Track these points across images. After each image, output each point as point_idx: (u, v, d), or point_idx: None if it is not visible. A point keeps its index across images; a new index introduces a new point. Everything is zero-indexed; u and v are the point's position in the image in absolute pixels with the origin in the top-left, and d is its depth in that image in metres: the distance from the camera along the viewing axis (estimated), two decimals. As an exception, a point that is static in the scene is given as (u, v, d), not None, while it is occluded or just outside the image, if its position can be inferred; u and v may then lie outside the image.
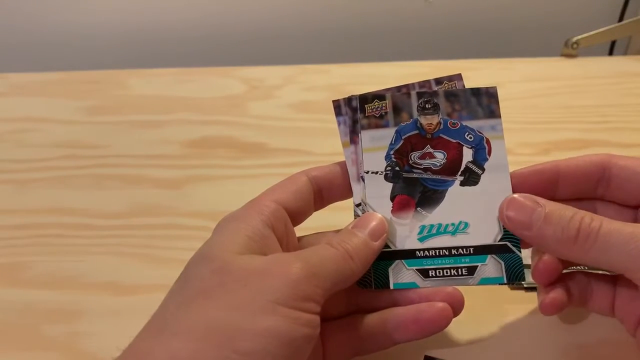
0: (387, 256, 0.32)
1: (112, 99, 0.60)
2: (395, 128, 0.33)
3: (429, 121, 0.33)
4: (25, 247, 0.44)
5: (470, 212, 0.32)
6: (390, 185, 0.33)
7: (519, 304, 0.37)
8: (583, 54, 0.63)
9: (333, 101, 0.34)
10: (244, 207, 0.31)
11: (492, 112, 0.33)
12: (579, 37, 0.62)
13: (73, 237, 0.45)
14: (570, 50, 0.63)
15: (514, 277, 0.31)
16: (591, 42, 0.63)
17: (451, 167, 0.33)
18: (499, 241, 0.31)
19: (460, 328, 0.35)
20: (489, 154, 0.33)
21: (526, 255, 0.32)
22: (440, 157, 0.33)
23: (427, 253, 0.32)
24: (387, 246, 0.31)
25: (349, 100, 0.34)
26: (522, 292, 0.38)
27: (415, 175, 0.33)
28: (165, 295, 0.28)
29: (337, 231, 0.32)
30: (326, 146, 0.52)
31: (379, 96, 0.33)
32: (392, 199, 0.32)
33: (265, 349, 0.24)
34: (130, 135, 0.55)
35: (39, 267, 0.43)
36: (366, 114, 0.33)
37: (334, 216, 0.34)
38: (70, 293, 0.41)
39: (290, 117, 0.57)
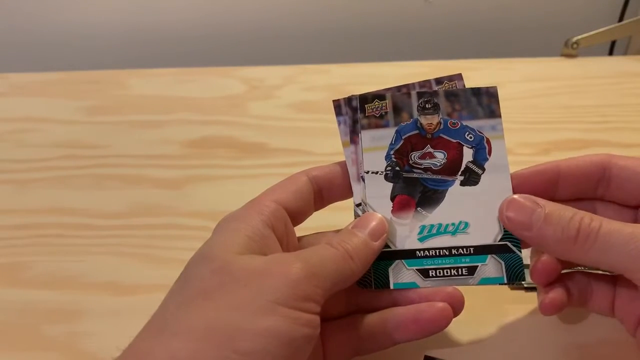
0: (387, 256, 0.32)
1: (112, 99, 0.60)
2: (396, 128, 0.33)
3: (429, 121, 0.33)
4: (25, 247, 0.44)
5: (471, 212, 0.32)
6: (391, 185, 0.33)
7: (519, 304, 0.37)
8: (583, 54, 0.63)
9: (333, 101, 0.34)
10: (244, 207, 0.31)
11: (493, 111, 0.33)
12: (579, 37, 0.62)
13: (73, 237, 0.45)
14: (570, 50, 0.63)
15: (514, 277, 0.31)
16: (591, 42, 0.63)
17: (451, 167, 0.33)
18: (499, 241, 0.31)
19: (460, 328, 0.35)
20: (489, 153, 0.33)
21: (526, 255, 0.32)
22: (440, 157, 0.33)
23: (427, 253, 0.32)
24: (387, 246, 0.31)
25: (349, 100, 0.34)
26: (522, 292, 0.38)
27: (415, 175, 0.33)
28: (165, 295, 0.28)
29: (337, 231, 0.32)
30: (326, 146, 0.52)
31: (379, 96, 0.33)
32: (392, 199, 0.32)
33: (265, 349, 0.24)
34: (130, 135, 0.55)
35: (39, 267, 0.43)
36: (366, 114, 0.33)
37: (334, 216, 0.34)
38: (70, 293, 0.41)
39: (290, 117, 0.57)
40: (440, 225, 0.32)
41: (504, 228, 0.31)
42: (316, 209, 0.34)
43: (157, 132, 0.55)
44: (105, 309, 0.39)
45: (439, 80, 0.34)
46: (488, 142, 0.33)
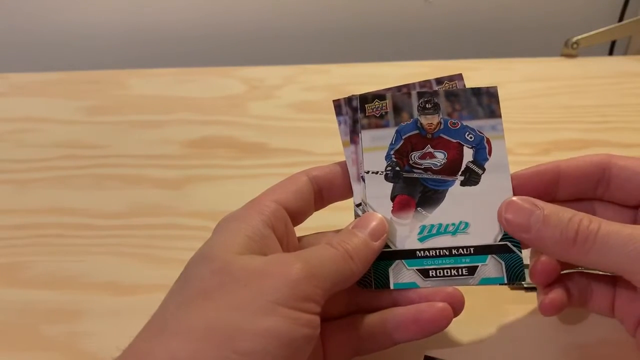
0: (388, 256, 0.31)
1: (112, 99, 0.60)
2: (396, 128, 0.33)
3: (429, 121, 0.33)
4: (25, 247, 0.44)
5: (471, 212, 0.32)
6: (391, 185, 0.33)
7: (519, 304, 0.37)
8: (583, 54, 0.63)
9: (333, 101, 0.34)
10: (244, 207, 0.31)
11: (493, 111, 0.33)
12: (579, 37, 0.62)
13: (73, 237, 0.45)
14: (570, 50, 0.63)
15: (514, 277, 0.31)
16: (591, 42, 0.63)
17: (451, 167, 0.33)
18: (499, 241, 0.31)
19: (460, 328, 0.35)
20: (490, 153, 0.33)
21: (526, 255, 0.32)
22: (440, 157, 0.33)
23: (428, 253, 0.32)
24: (387, 246, 0.31)
25: (349, 100, 0.34)
26: (522, 292, 0.38)
27: (415, 175, 0.33)
28: (165, 295, 0.28)
29: (338, 231, 0.32)
30: (326, 146, 0.52)
31: (379, 96, 0.33)
32: (393, 199, 0.32)
33: (265, 349, 0.24)
34: (130, 135, 0.55)
35: (39, 267, 0.43)
36: (366, 114, 0.33)
37: (334, 216, 0.34)
38: (70, 293, 0.41)
39: (290, 117, 0.57)
40: (440, 225, 0.32)
41: (504, 228, 0.31)
42: (316, 209, 0.34)
43: (157, 132, 0.55)
44: (105, 309, 0.39)
45: (439, 80, 0.34)
46: (488, 142, 0.33)
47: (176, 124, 0.56)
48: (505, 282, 0.31)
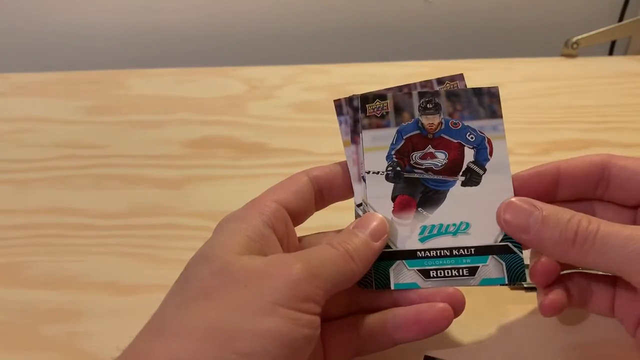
0: (388, 256, 0.31)
1: (112, 99, 0.60)
2: (397, 128, 0.33)
3: (430, 121, 0.33)
4: (25, 247, 0.44)
5: (472, 212, 0.32)
6: (392, 185, 0.33)
7: (519, 304, 0.37)
8: (583, 54, 0.63)
9: (334, 100, 0.34)
10: (245, 207, 0.31)
11: (494, 112, 0.33)
12: (579, 37, 0.62)
13: (73, 237, 0.45)
14: (570, 50, 0.63)
15: (515, 277, 0.31)
16: (591, 42, 0.63)
17: (452, 168, 0.33)
18: (500, 242, 0.31)
19: (460, 328, 0.35)
20: (491, 154, 0.33)
21: (526, 255, 0.32)
22: (441, 157, 0.33)
23: (428, 253, 0.31)
24: (388, 246, 0.31)
25: (350, 99, 0.34)
26: (522, 292, 0.38)
27: (416, 176, 0.33)
28: (165, 295, 0.28)
29: (338, 231, 0.32)
30: (326, 146, 0.52)
31: (380, 96, 0.33)
32: (393, 199, 0.32)
33: (265, 349, 0.24)
34: (130, 135, 0.55)
35: (39, 267, 0.42)
36: (367, 114, 0.33)
37: (335, 216, 0.34)
38: (70, 293, 0.41)
39: (290, 117, 0.57)
40: (441, 225, 0.32)
41: (504, 229, 0.31)
42: (317, 209, 0.34)
43: (157, 132, 0.55)
44: (105, 309, 0.39)
45: (440, 81, 0.34)
46: (489, 142, 0.33)
47: (176, 124, 0.56)
48: (506, 282, 0.31)
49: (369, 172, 0.33)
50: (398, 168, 0.33)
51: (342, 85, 0.60)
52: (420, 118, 0.33)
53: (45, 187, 0.49)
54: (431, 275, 0.31)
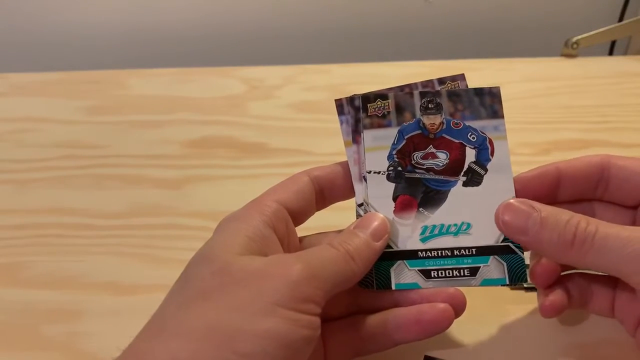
0: (389, 257, 0.31)
1: (112, 99, 0.60)
2: (398, 128, 0.33)
3: (431, 121, 0.33)
4: (25, 247, 0.44)
5: (473, 212, 0.32)
6: (393, 185, 0.32)
7: (519, 304, 0.37)
8: (583, 54, 0.63)
9: (335, 100, 0.34)
10: (245, 207, 0.31)
11: (495, 112, 0.33)
12: (579, 37, 0.62)
13: (73, 237, 0.45)
14: (570, 50, 0.63)
15: (516, 278, 0.31)
16: (591, 42, 0.63)
17: (454, 168, 0.33)
18: (501, 242, 0.31)
19: (460, 328, 0.35)
20: (492, 154, 0.32)
21: (526, 255, 0.32)
22: (442, 157, 0.33)
23: (430, 254, 0.31)
24: (389, 246, 0.31)
25: (351, 99, 0.34)
26: (522, 292, 0.38)
27: (417, 176, 0.33)
28: (166, 295, 0.28)
29: (339, 231, 0.32)
30: (326, 146, 0.52)
31: (381, 95, 0.33)
32: (395, 199, 0.32)
33: (265, 350, 0.24)
34: (130, 135, 0.55)
35: (39, 267, 0.42)
36: (369, 114, 0.33)
37: (336, 216, 0.34)
38: (70, 293, 0.41)
39: (290, 117, 0.57)
40: (442, 225, 0.32)
41: (505, 229, 0.31)
42: (318, 209, 0.33)
43: (157, 132, 0.55)
44: (105, 309, 0.39)
45: (441, 81, 0.34)
46: (491, 142, 0.33)
47: (176, 124, 0.56)
48: (507, 283, 0.31)
49: (370, 172, 0.33)
50: (399, 168, 0.33)
51: (342, 85, 0.60)
52: (421, 118, 0.33)
53: (45, 187, 0.49)
54: (432, 276, 0.31)
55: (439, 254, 0.31)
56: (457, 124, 0.33)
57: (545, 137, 0.52)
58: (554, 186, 0.32)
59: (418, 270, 0.31)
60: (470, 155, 0.33)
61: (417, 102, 0.33)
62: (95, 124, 0.56)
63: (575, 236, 0.28)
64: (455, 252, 0.31)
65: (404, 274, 0.31)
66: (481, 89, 0.33)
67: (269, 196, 0.31)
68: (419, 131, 0.33)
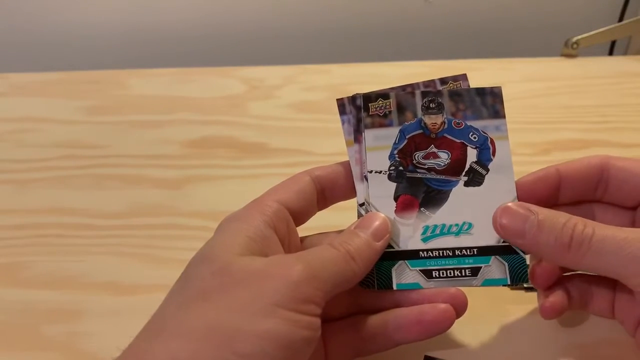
0: (390, 256, 0.31)
1: (112, 99, 0.60)
2: (399, 127, 0.33)
3: (433, 121, 0.33)
4: (25, 247, 0.44)
5: (474, 212, 0.32)
6: (394, 185, 0.32)
7: (519, 305, 0.37)
8: (583, 54, 0.63)
9: (337, 100, 0.34)
10: (246, 207, 0.31)
11: (497, 112, 0.33)
12: (579, 37, 0.62)
13: (73, 237, 0.45)
14: (570, 50, 0.63)
15: (517, 278, 0.31)
16: (591, 42, 0.63)
17: (455, 167, 0.33)
18: (502, 242, 0.31)
19: (460, 328, 0.35)
20: (494, 154, 0.32)
21: (528, 255, 0.32)
22: (444, 157, 0.33)
23: (431, 254, 0.31)
24: (390, 246, 0.31)
25: (353, 99, 0.33)
26: (522, 293, 0.38)
27: (419, 175, 0.32)
28: (166, 295, 0.28)
29: (340, 231, 0.32)
30: (326, 146, 0.52)
31: (383, 95, 0.33)
32: (396, 198, 0.32)
33: (264, 351, 0.24)
34: (130, 135, 0.55)
35: (39, 267, 0.42)
36: (370, 113, 0.33)
37: (337, 216, 0.34)
38: (70, 293, 0.40)
39: (290, 117, 0.57)
40: (443, 225, 0.32)
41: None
42: (319, 209, 0.33)
43: (157, 132, 0.55)
44: (105, 309, 0.39)
45: (443, 80, 0.34)
46: (492, 142, 0.33)
47: (176, 124, 0.56)
48: (509, 283, 0.31)
49: (371, 172, 0.33)
50: (401, 168, 0.33)
51: (342, 85, 0.60)
52: (423, 117, 0.33)
53: (45, 187, 0.49)
54: (434, 276, 0.31)
55: (441, 254, 0.31)
56: (458, 123, 0.33)
57: (545, 137, 0.52)
58: (555, 189, 0.32)
59: (419, 270, 0.31)
60: (472, 155, 0.33)
61: (418, 101, 0.33)
62: (95, 124, 0.56)
63: (572, 239, 0.28)
64: (457, 252, 0.31)
65: (405, 274, 0.31)
66: (483, 88, 0.33)
67: (269, 196, 0.31)
68: (421, 131, 0.33)
